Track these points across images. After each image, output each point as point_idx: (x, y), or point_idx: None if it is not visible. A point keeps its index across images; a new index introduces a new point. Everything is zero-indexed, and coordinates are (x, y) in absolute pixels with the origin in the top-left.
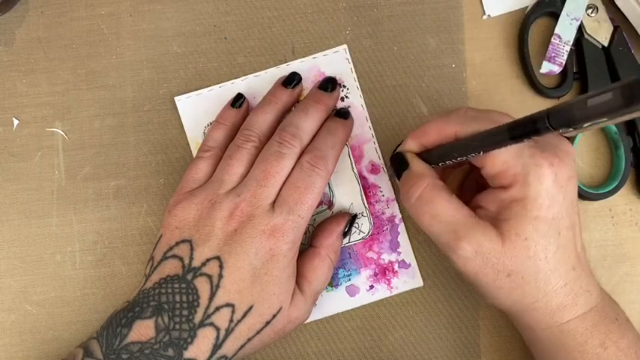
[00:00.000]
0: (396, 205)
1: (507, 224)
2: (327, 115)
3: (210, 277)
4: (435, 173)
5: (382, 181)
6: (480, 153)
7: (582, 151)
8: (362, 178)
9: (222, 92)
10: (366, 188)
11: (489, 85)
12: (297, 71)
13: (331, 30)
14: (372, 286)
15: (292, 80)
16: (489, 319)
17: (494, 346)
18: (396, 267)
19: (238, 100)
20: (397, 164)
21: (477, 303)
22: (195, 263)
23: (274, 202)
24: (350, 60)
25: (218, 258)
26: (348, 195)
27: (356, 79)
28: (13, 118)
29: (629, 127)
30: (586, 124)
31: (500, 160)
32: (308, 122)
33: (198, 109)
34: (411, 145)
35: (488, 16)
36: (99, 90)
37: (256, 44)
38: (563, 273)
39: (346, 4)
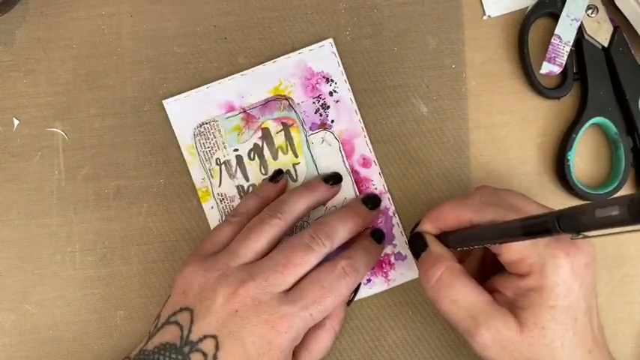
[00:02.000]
0: (388, 197)
1: (525, 313)
2: (362, 229)
3: (205, 355)
4: (453, 256)
5: (374, 175)
6: (494, 244)
7: (582, 151)
8: (354, 172)
9: (210, 92)
10: (358, 182)
11: (489, 86)
12: (284, 67)
13: (331, 30)
14: (369, 280)
15: (334, 180)
16: None
17: None
18: (392, 259)
19: (277, 175)
20: (415, 244)
21: None
22: (193, 337)
23: (287, 291)
24: (336, 54)
25: (215, 337)
26: (341, 190)
27: (343, 72)
28: (13, 118)
29: (629, 127)
30: (593, 232)
31: (516, 250)
32: (343, 230)
33: (188, 112)
34: (428, 227)
35: (489, 16)
36: (99, 90)
37: (256, 44)
38: (579, 358)
39: (346, 5)
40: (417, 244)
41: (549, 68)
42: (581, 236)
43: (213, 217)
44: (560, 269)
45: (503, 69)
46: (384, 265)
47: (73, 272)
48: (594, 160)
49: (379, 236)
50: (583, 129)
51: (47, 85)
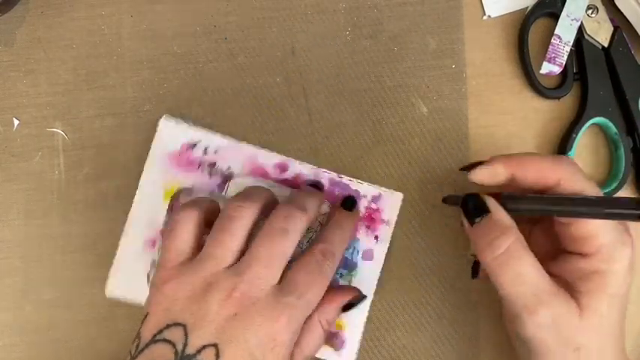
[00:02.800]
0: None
1: (585, 297)
2: (335, 208)
3: None
4: (518, 229)
5: None
6: (597, 217)
7: (582, 151)
8: None
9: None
10: None
11: (489, 86)
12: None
13: (331, 30)
14: (376, 237)
15: (349, 203)
16: (489, 319)
17: (494, 346)
18: (374, 216)
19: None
20: (472, 207)
21: (476, 302)
22: (190, 350)
23: (278, 284)
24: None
25: (215, 346)
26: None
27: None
28: (14, 118)
29: (629, 127)
30: None
31: (593, 225)
32: (313, 201)
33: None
34: (500, 171)
35: (489, 16)
36: (99, 90)
37: (256, 44)
38: (618, 352)
39: (346, 5)
40: (475, 207)
41: (549, 68)
42: None
43: None
44: (625, 258)
45: (503, 69)
46: (373, 220)
47: (73, 272)
48: (594, 160)
49: (350, 204)
50: (583, 129)
51: (47, 85)
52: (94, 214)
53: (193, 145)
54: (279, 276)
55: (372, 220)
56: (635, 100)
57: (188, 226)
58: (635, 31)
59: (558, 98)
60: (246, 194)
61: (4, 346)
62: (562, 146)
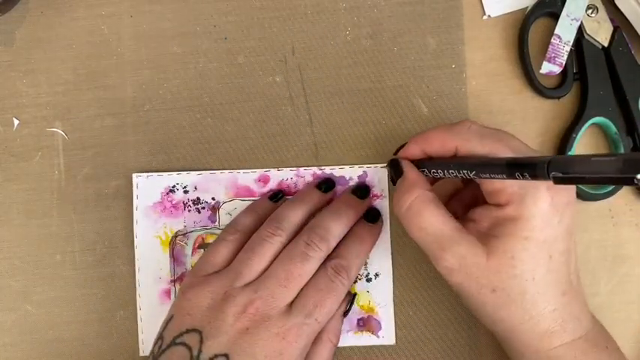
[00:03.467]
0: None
1: (496, 240)
2: (356, 220)
3: None
4: (427, 184)
5: None
6: (476, 177)
7: (582, 151)
8: None
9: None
10: None
11: (489, 85)
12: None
13: (331, 30)
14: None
15: (326, 185)
16: None
17: (494, 346)
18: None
19: (277, 195)
20: (394, 170)
21: None
22: (203, 357)
23: (291, 302)
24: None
25: (227, 356)
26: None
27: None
28: (13, 118)
29: (629, 127)
30: (581, 181)
31: (498, 180)
32: (337, 226)
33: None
34: (413, 150)
35: (489, 16)
36: (99, 90)
37: (256, 44)
38: (552, 297)
39: (346, 5)
40: (395, 169)
41: (549, 68)
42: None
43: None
44: (539, 201)
45: (503, 69)
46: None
47: (73, 272)
48: None
49: (373, 216)
50: (583, 129)
51: (47, 85)
52: (94, 214)
53: (172, 190)
54: (293, 296)
55: (370, 199)
56: (635, 100)
57: (230, 245)
58: (635, 31)
59: (558, 98)
60: (280, 218)
61: (4, 346)
62: (562, 146)
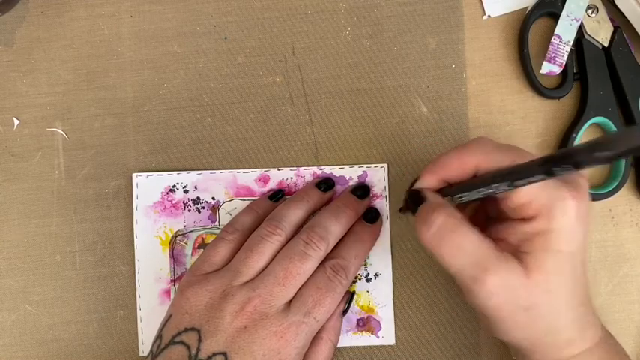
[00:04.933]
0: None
1: (530, 257)
2: (356, 221)
3: None
4: (452, 206)
5: None
6: (509, 188)
7: None
8: None
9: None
10: None
11: (489, 85)
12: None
13: (331, 30)
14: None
15: (326, 185)
16: None
17: (494, 346)
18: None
19: (277, 195)
20: (413, 202)
21: None
22: (202, 355)
23: (289, 301)
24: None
25: (225, 354)
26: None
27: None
28: (14, 118)
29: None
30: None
31: (525, 192)
32: (336, 226)
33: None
34: (429, 181)
35: (489, 16)
36: (99, 90)
37: (256, 44)
38: (574, 308)
39: (346, 5)
40: (415, 201)
41: (549, 68)
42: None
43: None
44: (567, 212)
45: (503, 69)
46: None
47: (73, 272)
48: None
49: (372, 217)
50: (583, 129)
51: (47, 85)
52: (94, 214)
53: (172, 190)
54: (292, 295)
55: (370, 198)
56: (635, 100)
57: (229, 245)
58: (635, 31)
59: (558, 98)
60: (279, 217)
61: (4, 346)
62: (562, 146)
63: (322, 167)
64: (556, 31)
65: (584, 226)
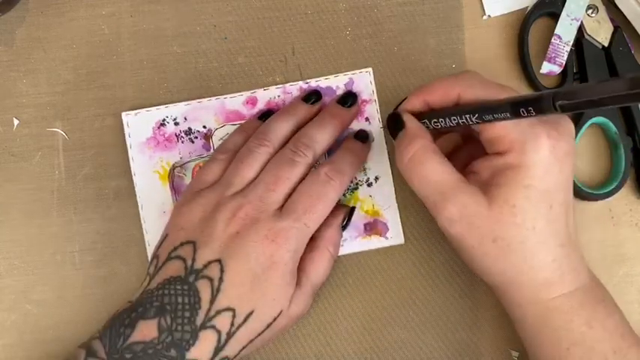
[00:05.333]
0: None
1: (498, 190)
2: (343, 130)
3: (211, 280)
4: (429, 135)
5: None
6: (478, 121)
7: (582, 151)
8: None
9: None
10: None
11: None
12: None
13: (331, 30)
14: (367, 119)
15: (312, 97)
16: (489, 318)
17: (494, 346)
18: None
19: (266, 115)
20: (394, 124)
21: (476, 302)
22: (197, 265)
23: (281, 207)
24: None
25: (219, 261)
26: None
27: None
28: (13, 118)
29: (629, 127)
30: (589, 105)
31: (499, 126)
32: (323, 135)
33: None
34: (414, 102)
35: (489, 16)
36: (99, 90)
37: (256, 44)
38: (551, 248)
39: (346, 5)
40: (395, 123)
41: (549, 68)
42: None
43: None
44: (540, 149)
45: (503, 69)
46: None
47: (73, 272)
48: (594, 160)
49: (363, 136)
50: (583, 129)
51: (47, 85)
52: (94, 214)
53: (162, 124)
54: (282, 200)
55: (358, 105)
56: None
57: (221, 164)
58: (635, 31)
59: None
60: (266, 131)
61: (4, 346)
62: None
63: (308, 81)
64: (556, 31)
65: (563, 165)
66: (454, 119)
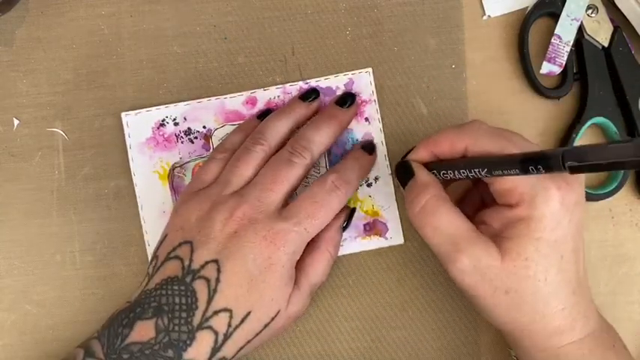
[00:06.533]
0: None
1: (509, 242)
2: (342, 130)
3: (208, 280)
4: (440, 184)
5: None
6: (487, 175)
7: None
8: None
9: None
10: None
11: (489, 85)
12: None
13: (331, 30)
14: (366, 119)
15: (310, 95)
16: None
17: (494, 346)
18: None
19: (265, 114)
20: (403, 173)
21: None
22: (195, 265)
23: (280, 209)
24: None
25: (216, 261)
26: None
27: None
28: (13, 118)
29: (629, 127)
30: (598, 168)
31: (509, 179)
32: (320, 136)
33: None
34: (422, 154)
35: (489, 16)
36: (99, 90)
37: (256, 44)
38: (562, 296)
39: (346, 5)
40: (405, 172)
41: (549, 68)
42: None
43: None
44: (550, 201)
45: (503, 69)
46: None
47: (73, 272)
48: None
49: (370, 148)
50: (583, 129)
51: (47, 85)
52: (94, 214)
53: (162, 124)
54: (279, 200)
55: (357, 105)
56: (635, 100)
57: (219, 163)
58: (635, 31)
59: (558, 98)
60: (263, 130)
61: (4, 346)
62: (562, 146)
63: (308, 81)
64: (556, 31)
65: (572, 215)
66: (463, 172)
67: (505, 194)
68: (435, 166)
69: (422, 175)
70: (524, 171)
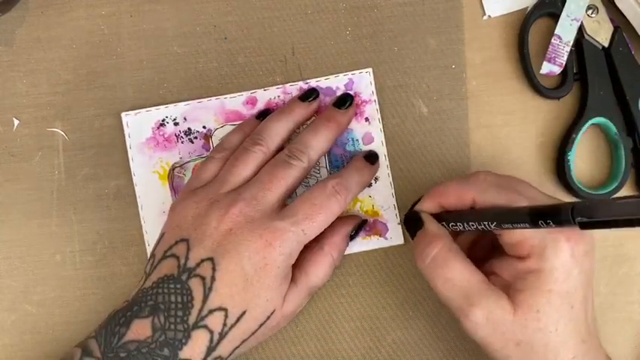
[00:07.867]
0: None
1: (521, 295)
2: (341, 132)
3: (203, 278)
4: (449, 235)
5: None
6: (497, 228)
7: (582, 151)
8: None
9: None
10: None
11: (489, 86)
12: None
13: (331, 30)
14: (367, 119)
15: (309, 95)
16: None
17: None
18: (355, 100)
19: (265, 114)
20: (412, 223)
21: None
22: (190, 264)
23: (278, 209)
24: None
25: (211, 259)
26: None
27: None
28: (13, 118)
29: (629, 127)
30: (608, 225)
31: (518, 232)
32: (317, 140)
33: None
34: (429, 205)
35: (489, 16)
36: (99, 90)
37: (256, 44)
38: (572, 346)
39: (346, 5)
40: (414, 222)
41: (549, 68)
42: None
43: None
44: (560, 253)
45: (503, 69)
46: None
47: (73, 272)
48: (594, 161)
49: (373, 158)
50: (583, 129)
51: (47, 85)
52: (94, 214)
53: (162, 124)
54: (276, 200)
55: (355, 105)
56: (635, 100)
57: (218, 162)
58: (635, 31)
59: (558, 98)
60: (262, 131)
61: (4, 346)
62: (562, 146)
63: (308, 81)
64: (556, 31)
65: (582, 265)
66: (472, 224)
67: (515, 246)
68: (443, 217)
69: (431, 225)
70: (535, 225)
